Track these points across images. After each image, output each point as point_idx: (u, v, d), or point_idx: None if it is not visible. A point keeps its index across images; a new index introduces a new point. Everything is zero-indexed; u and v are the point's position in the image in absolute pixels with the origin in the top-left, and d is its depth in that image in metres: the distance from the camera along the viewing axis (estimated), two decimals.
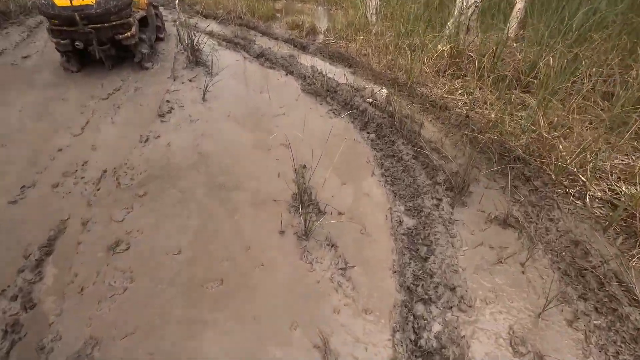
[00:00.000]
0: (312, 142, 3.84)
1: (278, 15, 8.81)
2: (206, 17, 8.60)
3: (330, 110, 4.50)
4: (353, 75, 5.61)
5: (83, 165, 3.45)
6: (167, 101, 4.45)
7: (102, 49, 5.12)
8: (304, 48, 6.82)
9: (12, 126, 3.97)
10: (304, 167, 3.42)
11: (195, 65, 5.44)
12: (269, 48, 6.53)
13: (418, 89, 5.09)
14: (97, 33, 4.97)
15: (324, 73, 5.57)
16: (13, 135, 3.81)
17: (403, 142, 3.76)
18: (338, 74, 5.65)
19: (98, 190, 3.10)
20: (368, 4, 7.61)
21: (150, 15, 6.17)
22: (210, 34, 7.05)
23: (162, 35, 6.65)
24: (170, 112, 4.25)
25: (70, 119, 4.13)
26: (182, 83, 4.96)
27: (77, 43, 4.91)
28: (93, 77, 5.14)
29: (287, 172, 3.36)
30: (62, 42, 4.94)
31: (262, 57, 6.22)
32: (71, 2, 4.62)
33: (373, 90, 5.06)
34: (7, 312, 2.14)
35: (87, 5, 4.74)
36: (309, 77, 5.43)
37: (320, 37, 7.47)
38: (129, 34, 5.14)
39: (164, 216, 2.84)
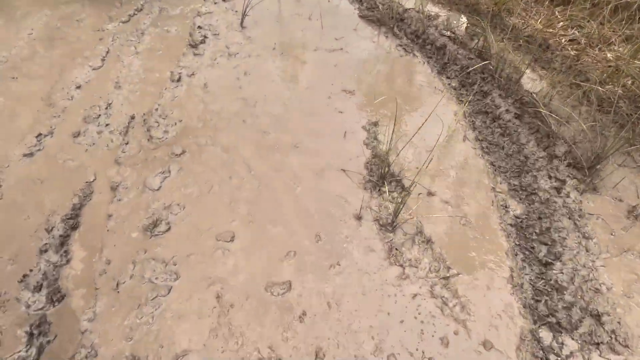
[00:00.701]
0: (380, 88, 2.98)
1: None
2: None
3: (399, 45, 3.49)
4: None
5: (107, 108, 2.78)
6: (199, 27, 3.54)
7: None
8: None
9: (22, 54, 3.26)
10: (376, 124, 2.64)
11: None
12: None
13: (507, 19, 3.91)
14: None
15: None
16: (24, 66, 3.12)
17: (500, 95, 2.85)
18: None
19: (126, 144, 2.48)
20: None
21: None
22: None
23: None
24: (204, 41, 3.38)
25: (88, 47, 3.36)
26: (215, 3, 3.95)
27: None
28: None
29: (354, 130, 2.61)
30: None
31: None
32: None
33: (449, 19, 3.92)
34: (31, 306, 1.71)
35: None
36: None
37: None
38: None
39: (207, 184, 2.22)
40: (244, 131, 2.60)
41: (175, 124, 2.59)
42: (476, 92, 2.96)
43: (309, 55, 3.32)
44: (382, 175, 2.15)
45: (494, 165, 2.40)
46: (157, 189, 2.14)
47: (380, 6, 4.01)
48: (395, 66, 3.25)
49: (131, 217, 2.03)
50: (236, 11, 3.86)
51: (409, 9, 3.95)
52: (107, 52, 3.31)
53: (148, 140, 2.48)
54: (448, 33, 3.62)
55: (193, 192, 2.15)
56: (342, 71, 3.15)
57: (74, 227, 2.01)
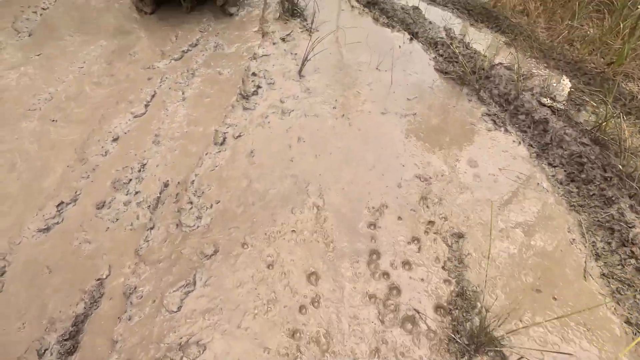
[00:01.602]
0: (464, 180, 2.30)
1: None
2: None
3: (487, 115, 2.78)
4: (510, 49, 3.63)
5: (140, 170, 2.37)
6: (253, 74, 3.07)
7: None
8: None
9: (68, 91, 2.97)
10: (461, 236, 1.98)
11: (290, 15, 3.85)
12: None
13: (625, 84, 3.05)
14: None
15: (465, 41, 3.67)
16: (67, 107, 2.81)
17: (632, 207, 2.06)
18: (486, 42, 3.70)
19: (152, 228, 2.02)
20: None
21: None
22: None
23: None
24: (256, 92, 2.90)
25: (134, 88, 3.01)
26: (274, 44, 3.49)
27: None
28: (168, 24, 3.88)
29: (430, 245, 1.96)
30: None
31: (374, 6, 4.37)
32: None
33: (546, 79, 3.14)
34: None
35: None
36: (443, 45, 3.59)
37: None
38: None
39: (238, 312, 1.64)
40: (295, 224, 2.04)
41: (211, 205, 2.09)
42: (594, 195, 2.18)
43: (375, 119, 2.71)
44: (473, 333, 1.49)
45: None
46: (176, 311, 1.64)
47: (460, 57, 3.32)
48: (482, 145, 2.55)
49: (138, 351, 1.54)
50: (295, 55, 3.36)
51: (497, 64, 3.22)
52: (153, 96, 2.93)
53: (177, 226, 2.00)
54: (548, 101, 2.84)
55: (219, 322, 1.61)
56: (416, 146, 2.51)
57: (70, 352, 1.55)
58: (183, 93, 2.96)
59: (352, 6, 4.25)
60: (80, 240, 1.96)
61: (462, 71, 3.13)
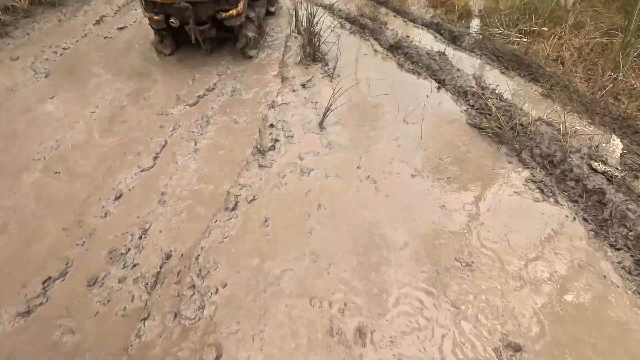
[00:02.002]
0: (512, 269, 1.94)
1: None
2: None
3: (531, 180, 2.45)
4: (546, 100, 3.33)
5: (141, 237, 2.09)
6: (271, 125, 2.83)
7: (200, 29, 3.65)
8: (455, 39, 4.54)
9: (76, 138, 2.77)
10: (518, 349, 1.60)
11: (311, 60, 3.68)
12: (407, 37, 4.42)
13: None
14: (195, 9, 3.47)
15: (498, 92, 3.39)
16: (72, 157, 2.59)
17: None
18: (520, 93, 3.41)
19: (146, 318, 1.71)
20: None
21: None
22: (330, 9, 5.12)
23: (273, 9, 4.94)
24: (273, 147, 2.64)
25: (145, 137, 2.79)
26: (293, 91, 3.28)
27: (172, 20, 3.48)
28: (186, 66, 3.75)
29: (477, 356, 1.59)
30: (155, 18, 3.56)
31: (398, 50, 4.18)
32: None
33: (593, 138, 2.81)
34: None
35: None
36: (474, 96, 3.32)
37: (476, 23, 5.04)
38: (234, 12, 3.52)
39: None
40: (313, 326, 1.70)
41: (217, 291, 1.77)
42: None
43: (404, 183, 2.40)
44: None
45: None
46: None
47: (494, 109, 3.03)
48: (530, 220, 2.19)
49: None
50: (316, 103, 3.13)
51: (537, 119, 2.91)
52: (163, 147, 2.71)
53: (175, 317, 1.69)
54: (600, 166, 2.49)
55: None
56: (452, 220, 2.17)
57: None
58: (195, 144, 2.74)
59: (375, 50, 4.07)
60: (63, 330, 1.66)
61: (497, 126, 2.83)
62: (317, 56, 3.67)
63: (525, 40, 4.24)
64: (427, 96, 3.30)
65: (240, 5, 3.52)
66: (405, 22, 4.95)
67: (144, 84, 3.45)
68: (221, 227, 2.07)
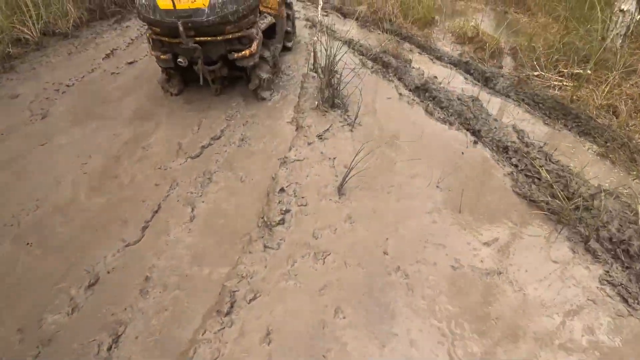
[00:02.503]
0: None
1: (436, 17, 6.00)
2: (344, 14, 6.31)
3: (607, 281, 1.88)
4: (604, 162, 2.80)
5: (110, 347, 1.65)
6: (282, 189, 2.38)
7: (209, 69, 3.31)
8: (487, 81, 4.09)
9: (58, 199, 2.36)
10: None
11: (329, 106, 3.27)
12: (434, 77, 3.99)
13: None
14: (204, 49, 3.14)
15: (545, 149, 2.88)
16: (48, 226, 2.15)
17: None
18: (571, 152, 2.88)
19: None
20: (615, 17, 4.22)
21: (281, 18, 4.16)
22: (350, 44, 4.77)
23: (290, 44, 4.62)
24: (283, 220, 2.18)
25: (138, 196, 2.37)
26: (309, 144, 2.84)
27: (180, 60, 3.15)
28: (193, 108, 3.39)
29: None
30: (162, 57, 3.25)
31: (425, 93, 3.74)
32: (174, 5, 2.79)
33: None
34: None
35: (196, 9, 2.87)
36: (516, 152, 2.82)
37: (508, 61, 4.58)
38: (247, 52, 3.17)
39: None
40: None
41: None
42: None
43: (444, 276, 1.88)
44: None
45: None
46: None
47: (544, 173, 2.51)
48: (625, 346, 1.64)
49: None
50: (334, 160, 2.69)
51: (600, 191, 2.37)
52: (156, 212, 2.29)
53: None
54: None
55: None
56: (511, 341, 1.64)
57: None
58: (193, 209, 2.31)
59: (400, 94, 3.64)
60: None
61: (550, 195, 2.31)
62: (335, 99, 3.25)
63: (568, 85, 3.74)
64: (463, 153, 2.82)
65: (254, 46, 3.17)
66: (432, 59, 4.53)
67: (145, 128, 3.09)
68: (211, 341, 1.60)
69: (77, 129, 3.05)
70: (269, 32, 3.72)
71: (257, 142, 2.94)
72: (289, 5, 4.41)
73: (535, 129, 3.18)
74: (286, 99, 3.52)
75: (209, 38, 3.02)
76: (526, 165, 2.72)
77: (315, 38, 3.45)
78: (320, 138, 2.91)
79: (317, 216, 2.21)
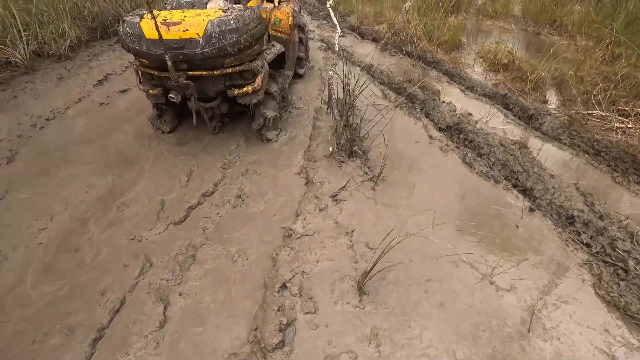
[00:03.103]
0: None
1: (462, 38, 5.35)
2: (362, 35, 5.73)
3: None
4: None
5: None
6: (283, 286, 1.74)
7: (206, 106, 2.75)
8: (531, 120, 3.41)
9: (0, 284, 1.86)
10: None
11: (347, 155, 2.65)
12: (468, 114, 3.35)
13: None
14: (199, 84, 2.58)
15: (626, 223, 2.19)
16: None
17: None
18: None
19: None
20: None
21: (293, 43, 3.59)
22: (370, 71, 4.17)
23: (302, 71, 4.04)
24: (282, 343, 1.52)
25: (98, 284, 1.73)
26: (321, 210, 2.20)
27: (171, 95, 2.59)
28: (185, 150, 2.81)
29: None
30: (151, 92, 2.70)
31: (459, 135, 3.08)
32: (160, 35, 2.23)
33: None
34: None
35: (189, 40, 2.30)
36: (586, 226, 2.14)
37: (552, 95, 3.90)
38: (249, 88, 2.60)
39: None
40: None
41: None
42: None
43: None
44: None
45: None
46: None
47: (631, 264, 1.83)
48: None
49: None
50: (352, 234, 2.05)
51: None
52: (116, 313, 1.70)
53: None
54: None
55: None
56: None
57: None
58: (165, 308, 1.70)
59: (431, 136, 2.99)
60: None
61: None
62: (354, 146, 2.63)
63: (633, 127, 3.04)
64: (518, 227, 2.15)
65: (258, 81, 2.59)
66: (463, 91, 3.89)
67: (125, 178, 2.53)
68: None
69: (44, 178, 2.50)
70: (278, 60, 3.15)
71: (257, 201, 2.34)
72: (302, 29, 3.85)
73: (606, 190, 2.49)
74: (295, 140, 2.92)
75: (204, 73, 2.46)
76: (604, 247, 2.03)
77: (332, 72, 2.84)
78: (335, 200, 2.28)
79: (330, 332, 1.57)
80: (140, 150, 2.82)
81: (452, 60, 4.59)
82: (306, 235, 2.02)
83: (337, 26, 3.19)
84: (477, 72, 4.34)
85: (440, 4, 5.72)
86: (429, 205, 2.23)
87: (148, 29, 2.33)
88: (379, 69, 4.28)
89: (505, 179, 2.57)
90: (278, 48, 2.92)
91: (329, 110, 3.22)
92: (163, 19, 2.32)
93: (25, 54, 3.99)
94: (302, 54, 3.88)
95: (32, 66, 4.02)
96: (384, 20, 5.91)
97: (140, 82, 2.73)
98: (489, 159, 2.79)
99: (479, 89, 3.91)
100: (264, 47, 2.81)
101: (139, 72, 2.70)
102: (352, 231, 2.06)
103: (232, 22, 2.30)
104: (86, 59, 4.36)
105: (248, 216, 2.23)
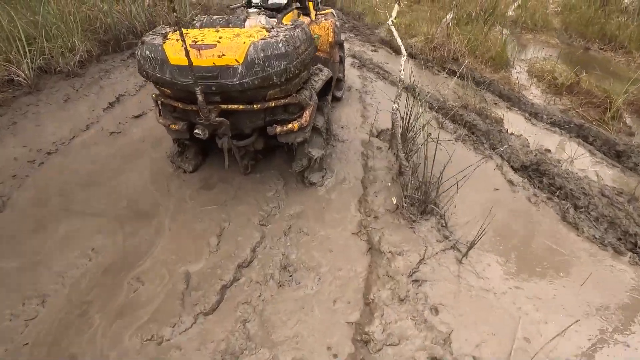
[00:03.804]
0: None
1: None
2: (396, 49, 5.18)
3: None
4: None
5: None
6: None
7: (240, 144, 2.20)
8: (619, 156, 2.81)
9: None
10: None
11: (419, 212, 2.06)
12: (545, 150, 2.76)
13: None
14: (234, 120, 2.03)
15: None
16: None
17: None
18: None
19: None
20: None
21: (333, 63, 3.03)
22: (413, 92, 3.61)
23: (340, 93, 3.47)
24: None
25: None
26: (401, 300, 1.57)
27: (197, 132, 2.04)
28: (212, 197, 2.22)
29: None
30: (173, 127, 2.16)
31: (542, 179, 2.46)
32: (190, 61, 1.67)
33: None
34: None
35: (225, 68, 1.73)
36: None
37: (636, 125, 3.29)
38: (295, 125, 2.05)
39: None
40: None
41: None
42: None
43: None
44: None
45: None
46: None
47: None
48: None
49: None
50: (448, 338, 1.47)
51: None
52: None
53: None
54: None
55: None
56: None
57: None
58: None
59: (510, 181, 2.39)
60: None
61: None
62: (427, 204, 2.03)
63: None
64: None
65: (306, 116, 2.03)
66: (528, 119, 3.29)
67: (139, 238, 1.96)
68: None
69: (39, 237, 1.95)
70: (323, 87, 2.59)
71: (308, 276, 1.76)
72: (341, 46, 3.30)
73: None
74: (344, 185, 2.34)
75: (240, 107, 1.91)
76: None
77: (395, 105, 2.25)
78: (416, 281, 1.69)
79: None
80: (158, 196, 2.26)
81: (504, 80, 4.00)
82: (389, 344, 1.43)
83: (402, 48, 2.61)
84: (536, 95, 3.75)
85: (474, 15, 5.16)
86: (545, 294, 1.63)
87: (173, 52, 1.78)
88: (425, 90, 3.70)
89: (622, 245, 1.96)
90: (326, 73, 2.35)
91: (384, 146, 2.64)
92: (193, 40, 1.77)
93: (30, 71, 3.48)
94: (340, 75, 3.33)
95: (37, 84, 3.50)
96: (417, 33, 5.35)
97: (160, 115, 2.18)
98: (589, 214, 2.18)
99: (544, 117, 3.31)
100: (312, 70, 2.25)
101: (159, 103, 2.15)
102: (449, 334, 1.47)
103: (280, 45, 1.75)
104: (96, 76, 3.85)
105: (300, 301, 1.65)
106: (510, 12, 6.70)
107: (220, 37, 1.80)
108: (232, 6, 2.96)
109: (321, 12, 3.28)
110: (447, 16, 4.77)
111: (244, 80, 1.75)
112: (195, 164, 2.48)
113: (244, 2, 2.80)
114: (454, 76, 4.10)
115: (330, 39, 2.86)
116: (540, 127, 3.15)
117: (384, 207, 2.12)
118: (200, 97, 1.73)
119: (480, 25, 4.82)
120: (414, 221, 1.97)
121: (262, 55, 1.73)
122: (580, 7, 6.16)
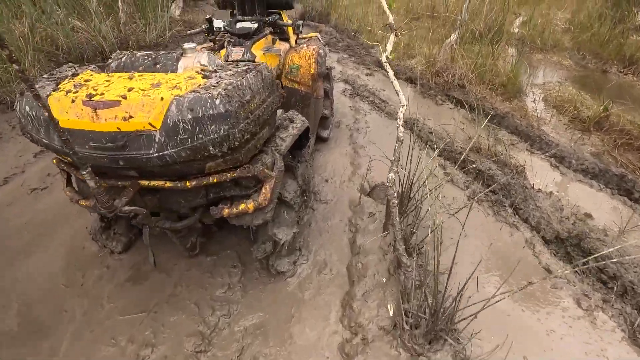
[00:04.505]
0: None
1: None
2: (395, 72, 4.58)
3: None
4: None
5: None
6: None
7: (176, 227, 1.57)
8: None
9: None
10: None
11: (419, 333, 1.41)
12: (585, 216, 2.14)
13: None
14: (163, 199, 1.41)
15: None
16: None
17: None
18: None
19: None
20: None
21: (316, 99, 2.42)
22: (413, 127, 2.99)
23: (326, 134, 2.83)
24: None
25: None
26: None
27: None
28: (138, 298, 1.54)
29: None
30: (82, 203, 1.54)
31: (582, 255, 1.88)
32: (56, 126, 1.02)
33: None
34: None
35: (135, 135, 1.11)
36: None
37: None
38: (251, 205, 1.43)
39: None
40: None
41: None
42: None
43: None
44: None
45: None
46: None
47: None
48: None
49: None
50: None
51: None
52: None
53: None
54: None
55: None
56: None
57: None
58: None
59: (548, 270, 1.75)
60: None
61: None
62: (440, 334, 1.39)
63: None
64: None
65: (265, 192, 1.39)
66: (556, 166, 2.66)
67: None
68: None
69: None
70: (300, 137, 1.95)
71: None
72: (327, 76, 2.70)
73: None
74: (324, 274, 1.69)
75: (167, 184, 1.28)
76: None
77: (391, 175, 1.61)
78: None
79: None
80: (66, 295, 1.61)
81: (518, 112, 3.39)
82: None
83: (400, 94, 1.99)
84: (559, 132, 3.13)
85: (478, 32, 4.59)
86: None
87: (61, 110, 1.16)
88: (427, 126, 3.09)
89: None
90: (299, 125, 1.71)
91: (377, 211, 2.00)
92: (89, 94, 1.15)
93: None
94: (326, 111, 2.71)
95: None
96: (417, 54, 4.76)
97: (66, 185, 1.55)
98: (623, 296, 1.53)
99: (574, 162, 2.68)
100: (277, 123, 1.62)
101: (65, 173, 1.53)
102: None
103: (217, 101, 1.12)
104: None
105: None
106: (514, 29, 6.15)
107: (130, 89, 1.17)
108: (189, 32, 2.35)
109: (304, 37, 2.68)
110: (452, 37, 4.19)
111: (165, 152, 1.13)
112: (126, 242, 1.83)
113: (203, 27, 2.19)
114: (461, 107, 3.49)
115: (312, 71, 2.25)
116: (569, 176, 2.53)
117: (376, 322, 1.46)
118: (92, 183, 1.09)
119: (487, 46, 4.24)
120: (419, 354, 1.32)
121: (189, 117, 1.11)
122: (592, 25, 5.61)
